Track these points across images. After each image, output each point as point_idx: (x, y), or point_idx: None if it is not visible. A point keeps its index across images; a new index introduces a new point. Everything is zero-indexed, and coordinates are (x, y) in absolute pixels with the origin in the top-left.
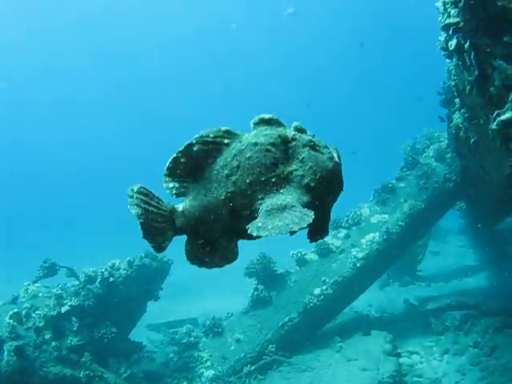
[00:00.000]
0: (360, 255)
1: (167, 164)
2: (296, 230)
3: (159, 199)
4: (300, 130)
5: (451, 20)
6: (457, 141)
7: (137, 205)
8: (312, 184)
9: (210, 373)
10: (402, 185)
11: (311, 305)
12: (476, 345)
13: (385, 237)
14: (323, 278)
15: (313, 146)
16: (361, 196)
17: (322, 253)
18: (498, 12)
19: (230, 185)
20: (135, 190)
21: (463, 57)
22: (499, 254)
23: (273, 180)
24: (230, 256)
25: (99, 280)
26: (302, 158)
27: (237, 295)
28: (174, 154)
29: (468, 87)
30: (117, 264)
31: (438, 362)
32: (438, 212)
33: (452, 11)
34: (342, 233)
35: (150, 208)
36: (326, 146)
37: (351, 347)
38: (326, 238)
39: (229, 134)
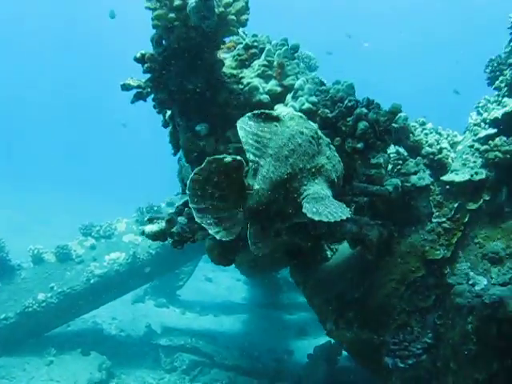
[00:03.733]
0: (97, 272)
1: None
2: (339, 219)
3: None
4: None
5: (131, 82)
6: None
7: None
8: (336, 180)
9: None
10: (170, 210)
11: (30, 309)
12: None
13: (129, 260)
14: (52, 285)
15: (331, 148)
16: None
17: (60, 256)
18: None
19: (288, 166)
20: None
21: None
22: (269, 300)
23: (313, 170)
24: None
25: None
26: (328, 156)
27: None
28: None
29: None
30: None
31: None
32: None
33: None
34: (89, 242)
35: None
36: (335, 150)
37: (62, 365)
38: (69, 243)
39: (275, 117)
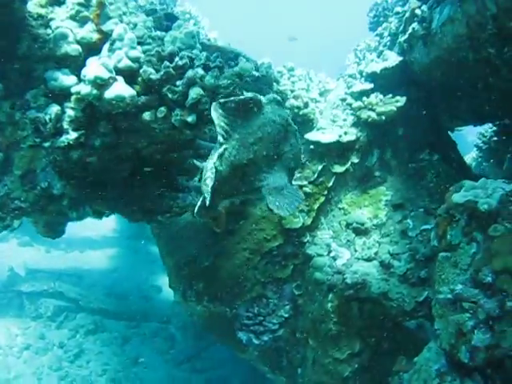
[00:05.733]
0: None
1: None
2: (295, 210)
3: None
4: None
5: None
6: None
7: None
8: (294, 168)
9: None
10: None
11: None
12: (61, 345)
13: None
14: None
15: (296, 136)
16: None
17: None
18: None
19: (251, 152)
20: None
21: None
22: (137, 231)
23: (275, 157)
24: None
25: None
26: (291, 144)
27: None
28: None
29: None
30: None
31: (15, 360)
32: None
33: None
34: None
35: None
36: (300, 138)
37: None
38: None
39: (260, 102)
